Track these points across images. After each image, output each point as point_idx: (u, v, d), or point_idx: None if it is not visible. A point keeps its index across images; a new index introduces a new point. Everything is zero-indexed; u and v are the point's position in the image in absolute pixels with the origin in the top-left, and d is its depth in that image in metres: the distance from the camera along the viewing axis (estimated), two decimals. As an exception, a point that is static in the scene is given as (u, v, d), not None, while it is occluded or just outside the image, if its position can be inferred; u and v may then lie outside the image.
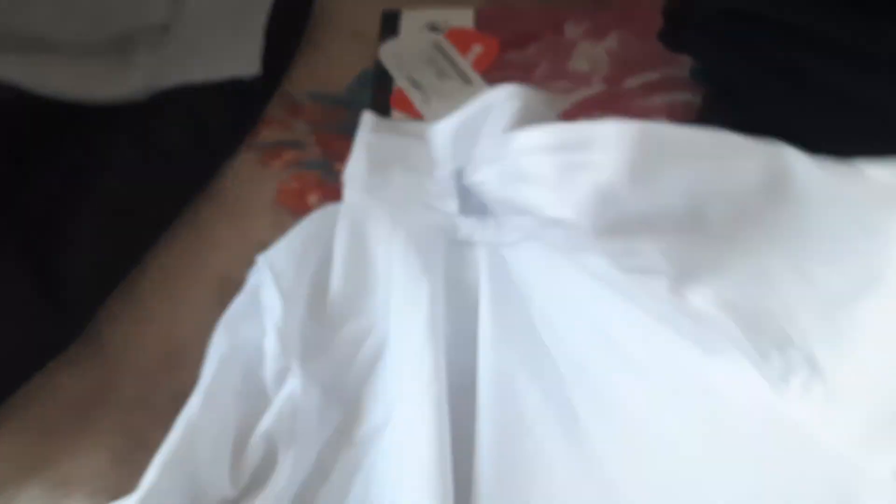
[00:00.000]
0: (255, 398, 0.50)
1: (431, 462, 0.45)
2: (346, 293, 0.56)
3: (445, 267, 0.56)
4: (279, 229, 0.63)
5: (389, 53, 0.75)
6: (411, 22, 0.79)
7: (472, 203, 0.60)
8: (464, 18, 0.80)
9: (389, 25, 0.78)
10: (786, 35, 0.58)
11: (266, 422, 0.49)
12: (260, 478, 0.48)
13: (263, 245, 0.62)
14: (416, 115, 0.71)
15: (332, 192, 0.66)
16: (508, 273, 0.57)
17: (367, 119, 0.66)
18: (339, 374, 0.53)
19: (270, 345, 0.51)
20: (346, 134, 0.71)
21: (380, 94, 0.72)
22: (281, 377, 0.50)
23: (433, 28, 0.78)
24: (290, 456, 0.48)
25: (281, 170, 0.68)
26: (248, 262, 0.59)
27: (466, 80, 0.73)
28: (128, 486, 0.48)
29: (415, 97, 0.71)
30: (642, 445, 0.47)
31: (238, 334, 0.53)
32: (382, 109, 0.71)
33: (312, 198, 0.66)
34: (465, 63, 0.75)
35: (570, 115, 0.70)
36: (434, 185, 0.61)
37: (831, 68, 0.56)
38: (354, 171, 0.62)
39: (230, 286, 0.58)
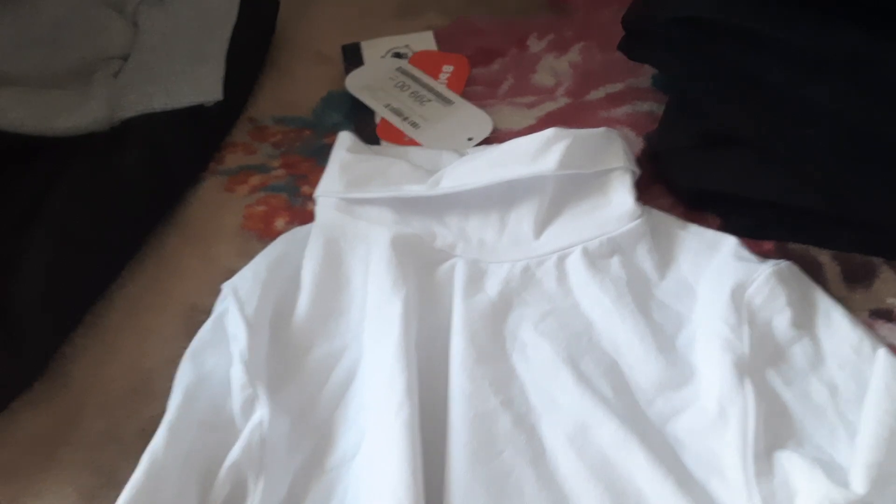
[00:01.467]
0: (222, 429, 0.49)
1: (403, 488, 0.44)
2: (316, 315, 0.55)
3: (420, 283, 0.56)
4: (246, 255, 0.63)
5: (358, 85, 0.75)
6: (373, 51, 0.79)
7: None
8: (425, 41, 0.79)
9: (351, 56, 0.78)
10: (740, 41, 0.58)
11: (234, 453, 0.48)
12: None
13: (231, 272, 0.61)
14: (410, 143, 0.70)
15: (300, 214, 0.66)
16: (484, 289, 0.56)
17: (344, 138, 0.66)
18: (310, 400, 0.52)
19: (236, 374, 0.50)
20: (313, 156, 0.70)
21: (363, 126, 0.72)
22: (248, 406, 0.49)
23: (397, 55, 0.78)
24: (260, 486, 0.47)
25: (247, 195, 0.68)
26: (216, 290, 0.58)
27: (446, 100, 0.73)
28: (96, 526, 0.47)
29: (403, 125, 0.71)
30: (610, 485, 0.47)
31: (204, 364, 0.52)
32: (370, 142, 0.70)
33: (280, 221, 0.66)
34: (438, 84, 0.74)
35: (535, 129, 0.70)
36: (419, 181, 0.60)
37: (786, 72, 0.56)
38: (328, 188, 0.62)
39: (198, 315, 0.58)
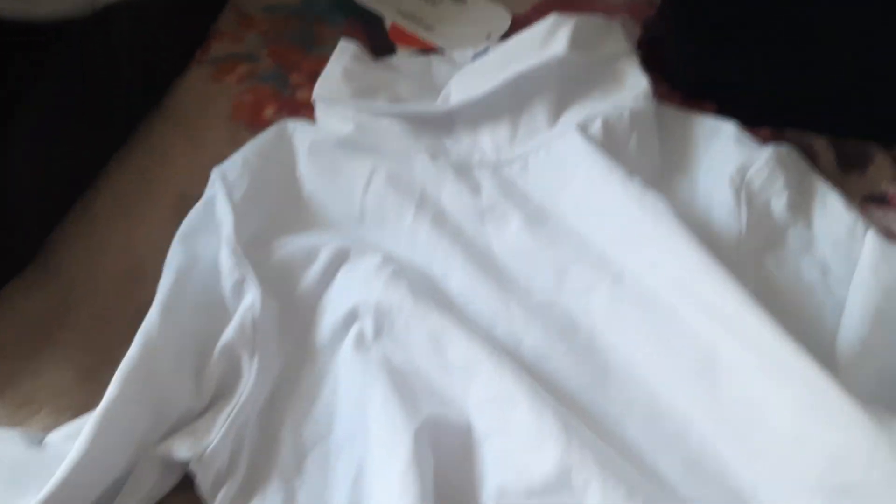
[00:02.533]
0: (214, 311, 0.50)
1: None
2: (309, 214, 0.55)
3: (434, 197, 0.55)
4: (236, 144, 0.62)
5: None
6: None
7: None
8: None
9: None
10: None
11: (228, 334, 0.48)
12: (225, 389, 0.48)
13: (220, 161, 0.60)
14: (425, 47, 0.68)
15: (289, 104, 0.65)
16: (513, 199, 0.55)
17: (346, 47, 0.63)
18: (300, 283, 0.52)
19: (224, 258, 0.50)
20: (301, 45, 0.69)
21: (375, 34, 0.69)
22: (238, 289, 0.50)
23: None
24: (255, 366, 0.47)
25: (234, 84, 0.66)
26: (205, 179, 0.57)
27: None
28: (94, 403, 0.47)
29: (416, 29, 0.68)
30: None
31: (194, 247, 0.52)
32: (384, 49, 0.68)
33: (268, 111, 0.65)
34: None
35: (529, 17, 0.69)
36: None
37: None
38: (332, 92, 0.59)
39: (187, 203, 0.57)
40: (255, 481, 0.46)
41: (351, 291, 0.50)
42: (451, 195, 0.55)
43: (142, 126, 0.64)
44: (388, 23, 0.70)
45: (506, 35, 0.67)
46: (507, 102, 0.57)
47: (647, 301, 0.48)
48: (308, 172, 0.56)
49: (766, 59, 0.60)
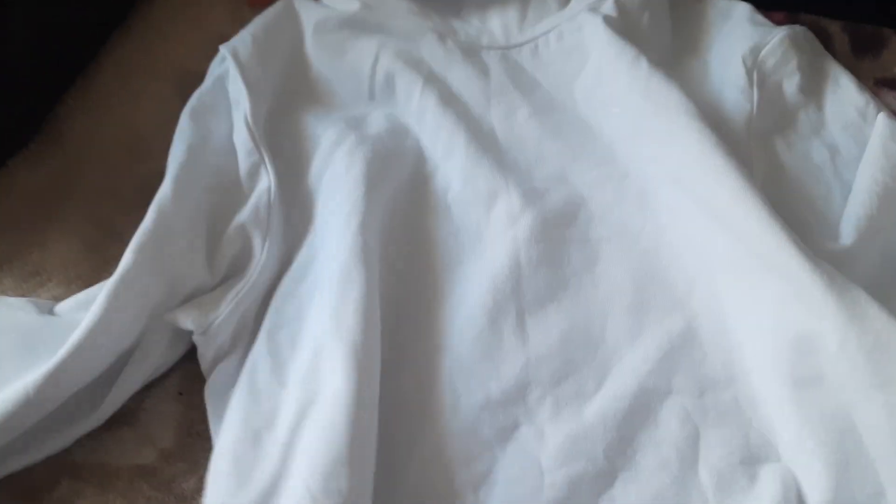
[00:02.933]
0: (228, 191, 0.49)
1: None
2: (314, 100, 0.54)
3: (447, 78, 0.54)
4: (237, 20, 0.61)
5: None
6: None
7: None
8: None
9: None
10: None
11: (243, 214, 0.48)
12: (236, 269, 0.48)
13: (222, 37, 0.59)
14: None
15: (293, -20, 0.63)
16: (531, 79, 0.54)
17: None
18: (300, 175, 0.51)
19: (241, 139, 0.50)
20: (304, -79, 0.66)
21: None
22: (255, 171, 0.49)
23: None
24: (266, 247, 0.48)
25: (236, -41, 0.65)
26: (207, 55, 0.57)
27: None
28: (100, 275, 0.48)
29: None
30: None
31: (206, 124, 0.52)
32: None
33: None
34: None
35: None
36: None
37: None
38: None
39: (189, 78, 0.56)
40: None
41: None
42: (458, 76, 0.54)
43: (142, 1, 0.62)
44: None
45: None
46: None
47: (648, 198, 0.48)
48: (314, 52, 0.55)
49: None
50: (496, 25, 0.56)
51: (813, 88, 0.53)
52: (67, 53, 0.58)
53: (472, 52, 0.55)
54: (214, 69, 0.54)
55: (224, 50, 0.54)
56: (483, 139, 0.51)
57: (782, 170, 0.50)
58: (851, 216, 0.46)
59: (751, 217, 0.44)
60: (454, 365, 0.44)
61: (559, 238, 0.48)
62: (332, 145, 0.51)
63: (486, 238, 0.48)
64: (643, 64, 0.51)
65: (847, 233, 0.46)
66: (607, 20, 0.53)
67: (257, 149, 0.50)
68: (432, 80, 0.53)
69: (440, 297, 0.47)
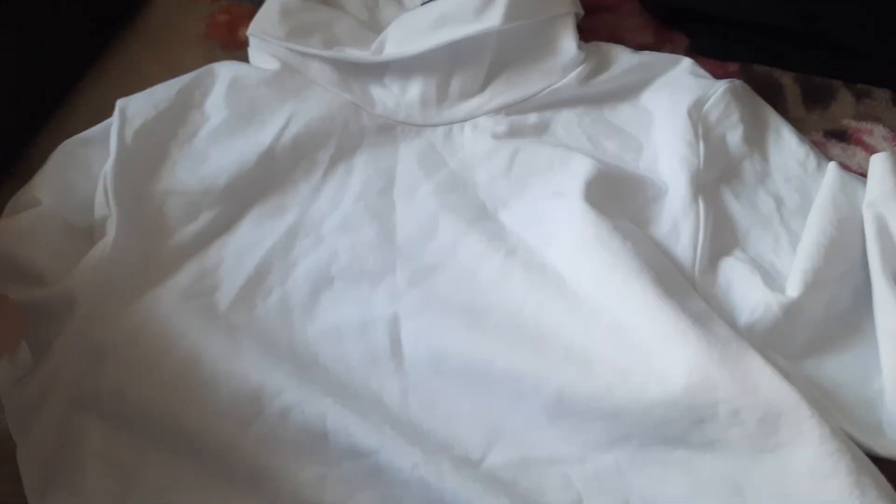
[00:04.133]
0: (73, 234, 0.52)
1: None
2: (212, 152, 0.54)
3: (357, 150, 0.55)
4: (211, 62, 0.62)
5: None
6: None
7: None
8: None
9: None
10: None
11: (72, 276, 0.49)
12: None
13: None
14: None
15: (264, 24, 0.64)
16: (444, 161, 0.56)
17: None
18: (173, 235, 0.52)
19: (98, 192, 0.52)
20: (277, -36, 0.68)
21: None
22: (101, 224, 0.51)
23: None
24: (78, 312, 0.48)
25: (209, 2, 0.66)
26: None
27: None
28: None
29: None
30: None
31: (88, 158, 0.54)
32: None
33: (243, 31, 0.63)
34: None
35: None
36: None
37: None
38: (266, 29, 0.57)
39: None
40: None
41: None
42: (367, 153, 0.55)
43: (116, 43, 0.63)
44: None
45: None
46: (441, 62, 0.56)
47: (534, 273, 0.50)
48: (224, 104, 0.56)
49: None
50: (415, 98, 0.57)
51: (756, 139, 0.55)
52: (39, 95, 0.59)
53: (385, 129, 0.56)
54: (111, 118, 0.55)
55: (118, 104, 0.55)
56: (380, 217, 0.53)
57: (730, 221, 0.52)
58: (799, 268, 0.48)
59: (642, 294, 0.46)
60: None
61: (442, 311, 0.49)
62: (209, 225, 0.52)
63: (368, 316, 0.49)
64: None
65: (794, 284, 0.48)
66: (513, 127, 0.56)
67: (108, 204, 0.51)
68: (340, 154, 0.55)
69: (321, 378, 0.47)
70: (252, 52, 0.59)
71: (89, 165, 0.54)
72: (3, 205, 0.54)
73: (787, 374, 0.44)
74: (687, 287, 0.48)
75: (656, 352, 0.45)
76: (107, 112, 0.59)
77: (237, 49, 0.62)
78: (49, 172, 0.54)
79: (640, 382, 0.45)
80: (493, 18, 0.54)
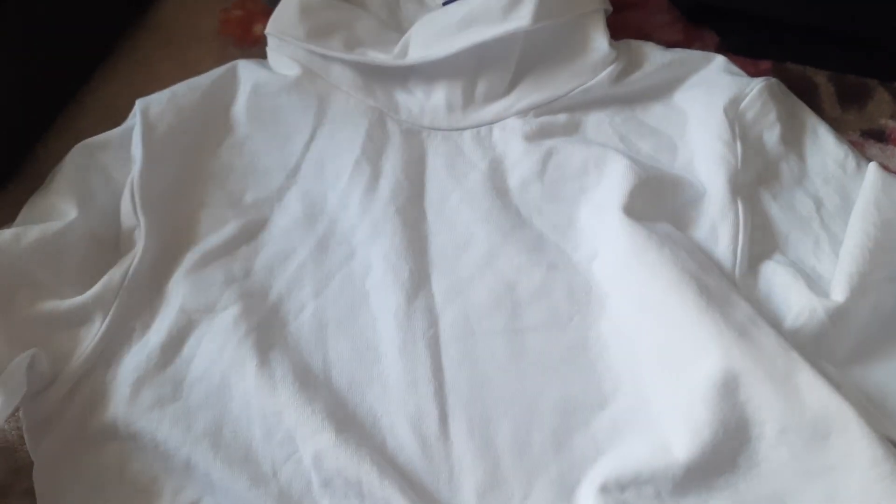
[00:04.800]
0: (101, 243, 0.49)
1: None
2: (237, 164, 0.53)
3: (384, 158, 0.53)
4: (224, 59, 0.60)
5: None
6: None
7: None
8: None
9: None
10: None
11: (94, 289, 0.47)
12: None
13: (209, 77, 0.58)
14: None
15: (280, 20, 0.62)
16: (473, 163, 0.53)
17: None
18: (200, 244, 0.50)
19: (124, 202, 0.49)
20: (292, -41, 0.66)
21: None
22: (129, 235, 0.49)
23: None
24: (101, 330, 0.46)
25: (223, -2, 0.64)
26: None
27: None
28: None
29: None
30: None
31: (107, 166, 0.51)
32: None
33: (258, 27, 0.62)
34: None
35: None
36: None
37: None
38: (285, 29, 0.55)
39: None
40: None
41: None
42: (394, 160, 0.53)
43: (126, 39, 0.61)
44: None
45: None
46: (466, 65, 0.54)
47: (577, 288, 0.48)
48: (246, 114, 0.54)
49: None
50: (441, 102, 0.54)
51: (793, 139, 0.53)
52: (48, 93, 0.57)
53: (411, 134, 0.54)
54: (129, 120, 0.53)
55: (138, 104, 0.53)
56: (412, 225, 0.51)
57: (769, 223, 0.50)
58: (844, 272, 0.46)
59: (682, 309, 0.44)
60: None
61: (483, 331, 0.47)
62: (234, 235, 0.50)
63: (407, 334, 0.47)
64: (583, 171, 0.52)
65: (839, 289, 0.46)
66: (544, 128, 0.54)
67: (136, 213, 0.49)
68: (365, 162, 0.52)
69: (357, 399, 0.45)
70: (271, 52, 0.57)
71: (108, 171, 0.51)
72: (12, 203, 0.52)
73: (838, 387, 0.41)
74: (731, 292, 0.45)
75: (702, 371, 0.42)
76: (117, 110, 0.58)
77: (251, 46, 0.61)
78: (67, 178, 0.51)
79: (687, 405, 0.42)
80: (523, 18, 0.52)
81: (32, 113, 0.56)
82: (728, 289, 0.46)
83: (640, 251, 0.46)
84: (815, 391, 0.41)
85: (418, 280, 0.48)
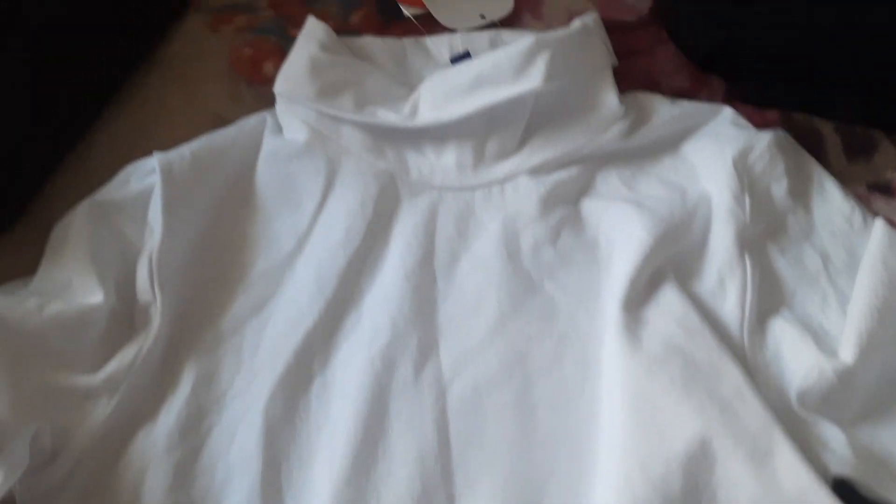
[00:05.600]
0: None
1: None
2: (251, 232, 0.52)
3: (395, 220, 0.53)
4: (235, 99, 0.60)
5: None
6: None
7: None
8: None
9: None
10: None
11: (112, 364, 0.46)
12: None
13: (219, 117, 0.59)
14: (417, 5, 0.64)
15: (290, 59, 0.62)
16: (484, 224, 0.53)
17: (314, 29, 0.58)
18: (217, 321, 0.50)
19: (142, 272, 0.49)
20: (302, -3, 0.66)
21: None
22: (145, 310, 0.48)
23: None
24: (109, 409, 0.45)
25: (232, 35, 0.64)
26: (202, 133, 0.56)
27: None
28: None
29: None
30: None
31: (121, 226, 0.50)
32: (386, 4, 0.63)
33: (268, 66, 0.62)
34: None
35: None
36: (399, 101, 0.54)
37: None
38: (296, 89, 0.55)
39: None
40: None
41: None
42: (404, 222, 0.53)
43: (136, 76, 0.61)
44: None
45: (504, 21, 0.64)
46: (477, 124, 0.54)
47: (589, 361, 0.47)
48: (261, 181, 0.54)
49: (777, 33, 0.59)
50: (451, 161, 0.54)
51: (800, 192, 0.53)
52: (56, 131, 0.57)
53: (422, 194, 0.54)
54: (141, 176, 0.52)
55: (156, 162, 0.52)
56: (421, 290, 0.50)
57: (777, 278, 0.50)
58: (852, 331, 0.46)
59: (670, 383, 0.44)
60: None
61: (493, 405, 0.46)
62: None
63: (414, 408, 0.46)
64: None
65: (848, 349, 0.46)
66: (556, 187, 0.53)
67: (153, 289, 0.48)
68: (376, 223, 0.52)
69: (361, 479, 0.44)
70: (280, 111, 0.56)
71: (125, 237, 0.50)
72: (20, 244, 0.52)
73: (825, 465, 0.42)
74: (723, 361, 0.45)
75: (678, 447, 0.42)
76: (127, 148, 0.58)
77: (262, 84, 0.60)
78: (82, 245, 0.49)
79: (662, 478, 0.42)
80: (534, 79, 0.52)
81: (40, 152, 0.55)
82: (720, 357, 0.46)
83: (632, 329, 0.46)
84: (793, 473, 0.42)
85: (426, 348, 0.48)
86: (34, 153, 0.55)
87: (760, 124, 0.57)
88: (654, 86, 0.61)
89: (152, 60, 0.62)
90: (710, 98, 0.60)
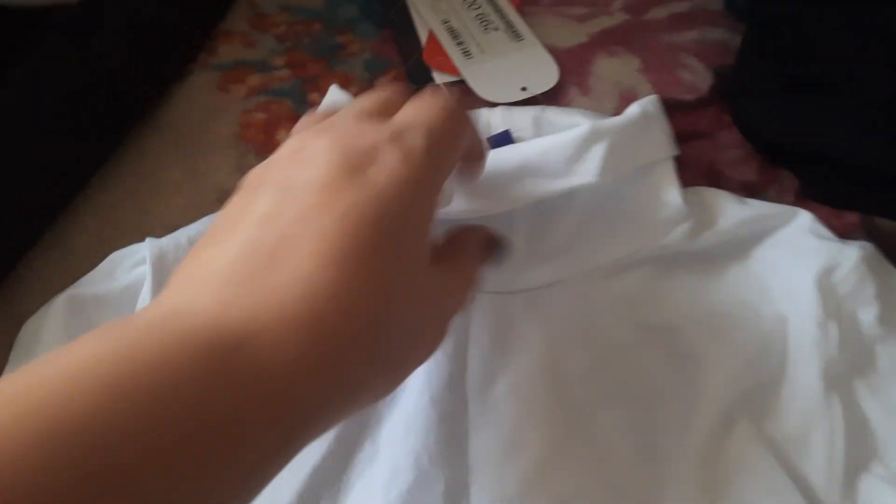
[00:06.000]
0: None
1: None
2: None
3: None
4: (243, 172, 0.53)
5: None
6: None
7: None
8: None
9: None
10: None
11: None
12: None
13: (223, 191, 0.52)
14: (454, 73, 0.58)
15: (306, 128, 0.56)
16: (524, 336, 0.45)
17: (337, 98, 0.51)
18: None
19: None
20: (322, 56, 0.60)
21: (407, 49, 0.59)
22: None
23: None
24: None
25: (244, 97, 0.57)
26: (203, 212, 0.49)
27: (515, 34, 0.59)
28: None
29: (454, 52, 0.58)
30: None
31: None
32: (414, 70, 0.58)
33: (282, 134, 0.55)
34: (513, 12, 0.61)
35: (586, 48, 0.60)
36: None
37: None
38: None
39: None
40: None
41: None
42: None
43: (132, 140, 0.54)
44: (426, 32, 0.60)
45: (548, 95, 0.57)
46: (520, 221, 0.47)
47: None
48: None
49: (858, 126, 0.52)
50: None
51: (891, 320, 0.45)
52: (35, 204, 0.50)
53: None
54: (129, 267, 0.46)
55: (147, 252, 0.45)
56: (449, 419, 0.42)
57: (866, 423, 0.43)
58: None
59: None
60: None
61: None
62: None
63: None
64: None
65: None
66: (613, 297, 0.46)
67: None
68: None
69: None
70: None
71: None
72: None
73: None
74: None
75: None
76: (114, 224, 0.51)
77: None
78: (57, 344, 0.42)
79: None
80: (589, 173, 0.45)
81: (18, 226, 0.48)
82: None
83: (708, 487, 0.40)
84: None
85: (456, 495, 0.40)
86: (11, 228, 0.48)
87: (838, 228, 0.49)
88: (717, 176, 0.54)
89: (151, 123, 0.55)
90: (780, 195, 0.53)
